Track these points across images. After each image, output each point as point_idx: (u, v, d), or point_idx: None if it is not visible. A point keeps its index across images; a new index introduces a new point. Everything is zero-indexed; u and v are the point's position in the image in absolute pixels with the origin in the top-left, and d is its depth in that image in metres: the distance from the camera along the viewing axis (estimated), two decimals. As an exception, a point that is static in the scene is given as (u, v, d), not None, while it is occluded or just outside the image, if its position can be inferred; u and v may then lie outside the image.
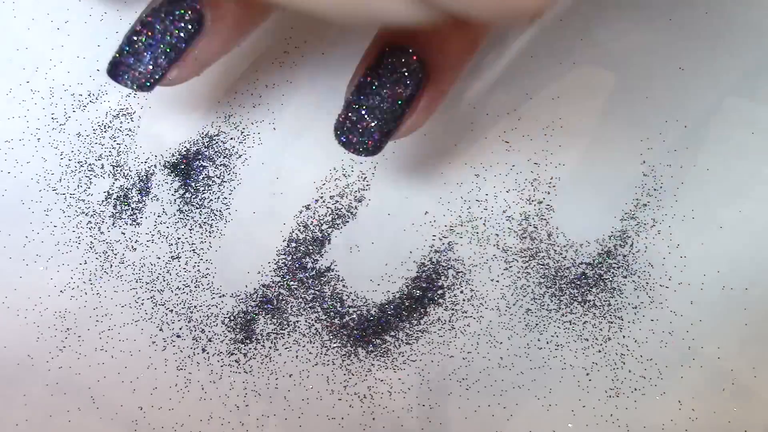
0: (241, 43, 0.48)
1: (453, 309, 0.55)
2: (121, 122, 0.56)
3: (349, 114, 0.44)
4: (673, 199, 0.55)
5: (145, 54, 0.45)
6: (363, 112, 0.44)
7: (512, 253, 0.55)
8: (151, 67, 0.45)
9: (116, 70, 0.45)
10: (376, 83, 0.44)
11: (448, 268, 0.55)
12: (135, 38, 0.45)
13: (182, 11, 0.44)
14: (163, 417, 0.54)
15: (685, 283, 0.55)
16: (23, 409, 0.54)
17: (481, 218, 0.55)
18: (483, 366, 0.54)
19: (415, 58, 0.43)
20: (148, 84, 0.45)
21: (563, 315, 0.55)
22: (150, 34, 0.45)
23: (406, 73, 0.43)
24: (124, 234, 0.56)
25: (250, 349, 0.55)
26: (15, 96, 0.56)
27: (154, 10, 0.45)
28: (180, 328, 0.55)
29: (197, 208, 0.56)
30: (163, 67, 0.45)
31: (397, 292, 0.55)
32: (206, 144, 0.56)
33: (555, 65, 0.57)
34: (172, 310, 0.55)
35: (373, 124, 0.44)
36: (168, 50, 0.45)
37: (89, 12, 0.57)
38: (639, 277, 0.55)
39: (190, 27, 0.44)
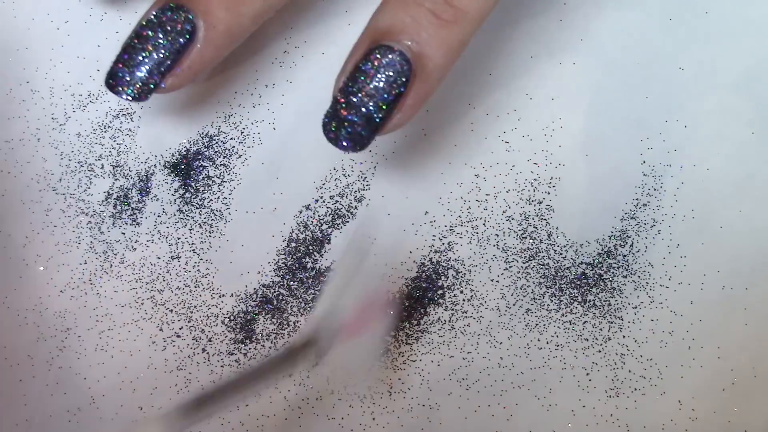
0: (233, 49, 0.49)
1: (453, 309, 0.55)
2: (121, 122, 0.56)
3: (337, 111, 0.45)
4: (673, 199, 0.55)
5: (141, 66, 0.47)
6: (350, 109, 0.45)
7: (512, 253, 0.55)
8: (146, 77, 0.47)
9: (113, 81, 0.47)
10: (362, 82, 0.45)
11: (448, 269, 0.55)
12: (130, 50, 0.47)
13: (175, 22, 0.45)
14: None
15: (685, 282, 0.55)
16: (23, 409, 0.54)
17: (481, 218, 0.55)
18: (483, 366, 0.54)
19: (402, 56, 0.44)
20: (144, 94, 0.47)
21: (563, 315, 0.55)
22: (145, 45, 0.47)
23: (393, 72, 0.44)
24: (124, 234, 0.56)
25: (250, 349, 0.55)
26: (15, 96, 0.56)
27: (148, 21, 0.47)
28: (180, 328, 0.55)
29: (197, 208, 0.56)
30: (157, 77, 0.47)
31: (398, 292, 0.55)
32: (206, 144, 0.56)
33: (555, 65, 0.57)
34: (172, 310, 0.55)
35: (359, 122, 0.45)
36: (162, 62, 0.47)
37: (89, 12, 0.57)
38: (639, 276, 0.55)
39: (183, 38, 0.46)
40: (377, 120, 0.45)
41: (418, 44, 0.44)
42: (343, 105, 0.45)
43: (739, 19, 0.56)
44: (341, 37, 0.57)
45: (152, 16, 0.46)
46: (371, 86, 0.45)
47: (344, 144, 0.45)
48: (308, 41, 0.57)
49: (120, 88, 0.47)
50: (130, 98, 0.47)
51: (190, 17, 0.46)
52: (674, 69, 0.56)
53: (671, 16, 0.56)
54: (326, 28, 0.57)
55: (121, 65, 0.47)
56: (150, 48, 0.46)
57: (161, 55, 0.46)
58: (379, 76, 0.44)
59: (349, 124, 0.45)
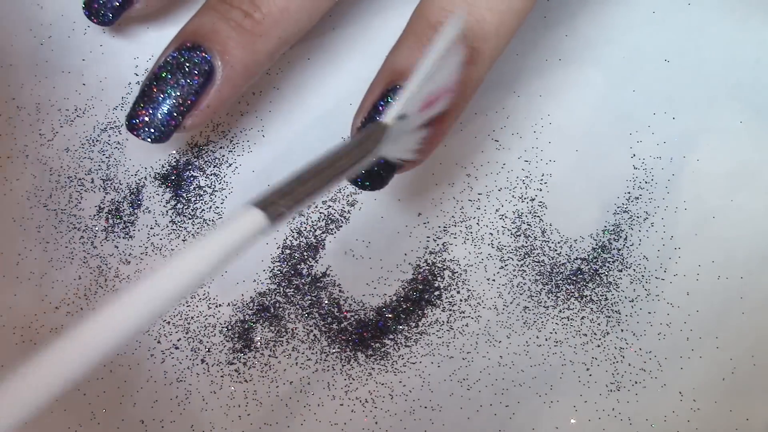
0: (250, 85, 0.49)
1: (450, 310, 0.55)
2: (109, 135, 0.56)
3: None
4: (665, 191, 0.55)
5: (161, 108, 0.47)
6: None
7: (507, 251, 0.55)
8: (167, 120, 0.47)
9: (133, 124, 0.48)
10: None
11: (444, 269, 0.55)
12: (150, 93, 0.47)
13: (193, 63, 0.46)
14: (165, 430, 0.54)
15: (680, 274, 0.55)
16: (23, 427, 0.54)
17: (474, 218, 0.56)
18: (483, 365, 0.54)
19: None
20: (165, 135, 0.48)
21: (561, 311, 0.55)
22: (163, 88, 0.47)
23: None
24: (117, 248, 0.55)
25: (249, 357, 0.55)
26: (1, 113, 0.56)
27: (166, 62, 0.47)
28: (178, 340, 0.55)
29: (190, 219, 0.56)
30: (177, 119, 0.47)
31: (394, 295, 0.55)
32: (196, 154, 0.56)
33: (541, 62, 0.57)
34: (169, 322, 0.55)
35: (378, 162, 0.46)
36: (182, 102, 0.47)
37: (72, 27, 0.57)
38: (634, 270, 0.55)
39: (201, 78, 0.46)
40: (396, 160, 0.45)
41: None
42: None
43: (722, 9, 0.57)
44: (326, 42, 0.57)
45: (169, 58, 0.47)
46: None
47: (365, 184, 0.46)
48: (293, 47, 0.57)
49: (141, 131, 0.47)
50: (151, 140, 0.47)
51: (208, 57, 0.46)
52: (660, 61, 0.56)
53: (654, 8, 0.57)
54: (311, 33, 0.57)
55: (140, 107, 0.47)
56: (169, 89, 0.47)
57: (181, 96, 0.47)
58: None
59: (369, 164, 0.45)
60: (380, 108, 0.45)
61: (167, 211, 0.56)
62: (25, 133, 0.56)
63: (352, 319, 0.55)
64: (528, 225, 0.55)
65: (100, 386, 0.54)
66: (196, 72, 0.46)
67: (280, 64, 0.57)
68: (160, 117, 0.47)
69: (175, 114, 0.47)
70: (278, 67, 0.57)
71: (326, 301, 0.55)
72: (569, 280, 0.55)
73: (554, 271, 0.55)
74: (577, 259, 0.55)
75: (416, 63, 0.43)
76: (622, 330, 0.54)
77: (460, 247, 0.55)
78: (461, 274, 0.55)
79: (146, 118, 0.47)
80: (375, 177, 0.46)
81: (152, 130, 0.47)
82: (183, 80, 0.47)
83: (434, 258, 0.55)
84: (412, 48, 0.46)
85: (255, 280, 0.55)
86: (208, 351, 0.55)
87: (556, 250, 0.55)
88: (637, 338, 0.54)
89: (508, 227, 0.55)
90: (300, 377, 0.54)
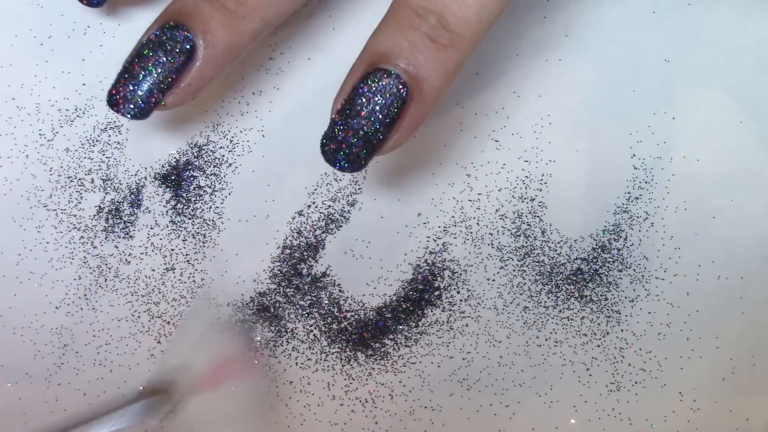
0: (232, 66, 0.49)
1: (450, 310, 0.55)
2: (109, 135, 0.56)
3: (335, 132, 0.46)
4: (665, 191, 0.55)
5: (141, 85, 0.47)
6: (348, 131, 0.46)
7: (507, 251, 0.55)
8: (147, 96, 0.48)
9: (114, 100, 0.48)
10: (360, 104, 0.45)
11: (444, 269, 0.55)
12: (131, 69, 0.48)
13: (175, 42, 0.47)
14: (165, 430, 0.54)
15: (680, 274, 0.55)
16: (23, 427, 0.54)
17: (474, 218, 0.55)
18: (483, 365, 0.54)
19: (398, 79, 0.44)
20: (145, 112, 0.48)
21: (561, 311, 0.55)
22: (145, 65, 0.47)
23: (390, 94, 0.45)
24: (117, 248, 0.55)
25: (249, 357, 0.55)
26: (1, 113, 0.56)
27: (149, 41, 0.47)
28: (178, 340, 0.55)
29: (189, 219, 0.56)
30: (158, 96, 0.48)
31: (394, 294, 0.55)
32: (196, 154, 0.56)
33: (540, 62, 0.57)
34: (169, 322, 0.55)
35: (357, 143, 0.46)
36: (162, 80, 0.48)
37: (72, 26, 0.56)
38: (634, 270, 0.55)
39: (183, 57, 0.47)
40: (375, 141, 0.46)
41: (415, 68, 0.45)
42: (341, 126, 0.46)
43: (722, 8, 0.56)
44: (326, 42, 0.57)
45: (152, 36, 0.47)
46: (369, 108, 0.45)
47: (343, 164, 0.46)
48: (293, 47, 0.57)
49: (122, 107, 0.48)
50: (131, 116, 0.47)
51: (190, 36, 0.47)
52: (659, 61, 0.56)
53: (654, 9, 0.57)
54: (311, 33, 0.57)
55: (122, 84, 0.48)
56: (150, 67, 0.47)
57: (162, 74, 0.47)
58: (376, 98, 0.45)
59: (347, 145, 0.46)
60: (360, 91, 0.45)
61: (167, 211, 0.56)
62: (25, 133, 0.56)
63: (352, 319, 0.55)
64: (528, 225, 0.55)
65: (99, 386, 0.54)
66: (177, 50, 0.47)
67: (280, 64, 0.57)
68: (140, 93, 0.47)
69: (156, 91, 0.48)
70: (278, 67, 0.57)
71: (326, 301, 0.55)
72: (569, 280, 0.55)
73: (554, 271, 0.55)
74: (577, 259, 0.55)
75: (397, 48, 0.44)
76: (622, 330, 0.54)
77: (460, 247, 0.55)
78: (461, 274, 0.55)
79: (128, 95, 0.48)
80: (353, 158, 0.46)
81: (132, 106, 0.48)
82: (164, 58, 0.47)
83: (434, 258, 0.55)
84: (393, 32, 0.46)
85: (255, 280, 0.55)
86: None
87: (556, 250, 0.55)
88: (637, 338, 0.54)
89: (508, 227, 0.55)
90: (300, 377, 0.54)
